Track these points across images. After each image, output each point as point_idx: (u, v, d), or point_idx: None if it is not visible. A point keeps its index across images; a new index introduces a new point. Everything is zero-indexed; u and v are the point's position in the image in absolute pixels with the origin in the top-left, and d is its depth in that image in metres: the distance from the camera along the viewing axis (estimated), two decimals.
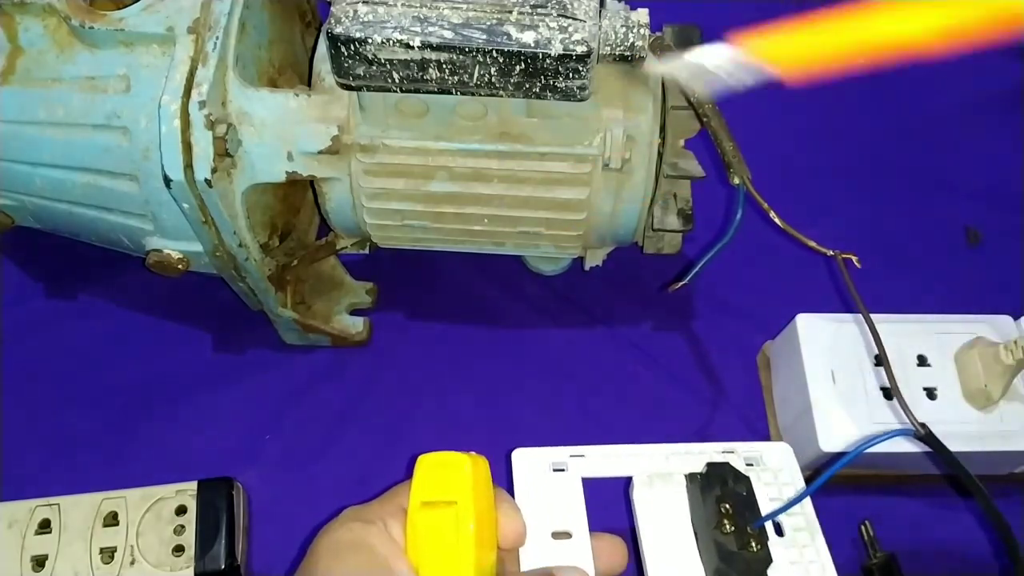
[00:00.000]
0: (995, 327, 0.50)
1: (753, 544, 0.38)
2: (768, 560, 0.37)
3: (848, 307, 0.52)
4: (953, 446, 0.47)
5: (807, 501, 0.39)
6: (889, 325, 0.51)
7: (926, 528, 0.47)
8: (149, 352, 0.57)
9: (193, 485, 0.50)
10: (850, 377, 0.49)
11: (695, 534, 0.39)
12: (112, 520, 0.49)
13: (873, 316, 0.52)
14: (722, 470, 0.40)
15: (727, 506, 0.38)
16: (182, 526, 0.49)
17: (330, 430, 0.55)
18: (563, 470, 0.40)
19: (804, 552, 0.38)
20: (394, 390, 0.56)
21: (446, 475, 0.35)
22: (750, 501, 0.39)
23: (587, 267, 0.55)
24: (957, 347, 0.50)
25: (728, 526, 0.38)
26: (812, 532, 0.39)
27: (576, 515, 0.39)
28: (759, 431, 0.54)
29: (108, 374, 0.56)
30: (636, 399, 0.55)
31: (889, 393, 0.49)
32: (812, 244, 0.43)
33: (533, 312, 0.59)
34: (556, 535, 0.39)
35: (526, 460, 0.41)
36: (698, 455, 0.41)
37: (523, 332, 0.58)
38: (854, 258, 0.43)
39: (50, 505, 0.49)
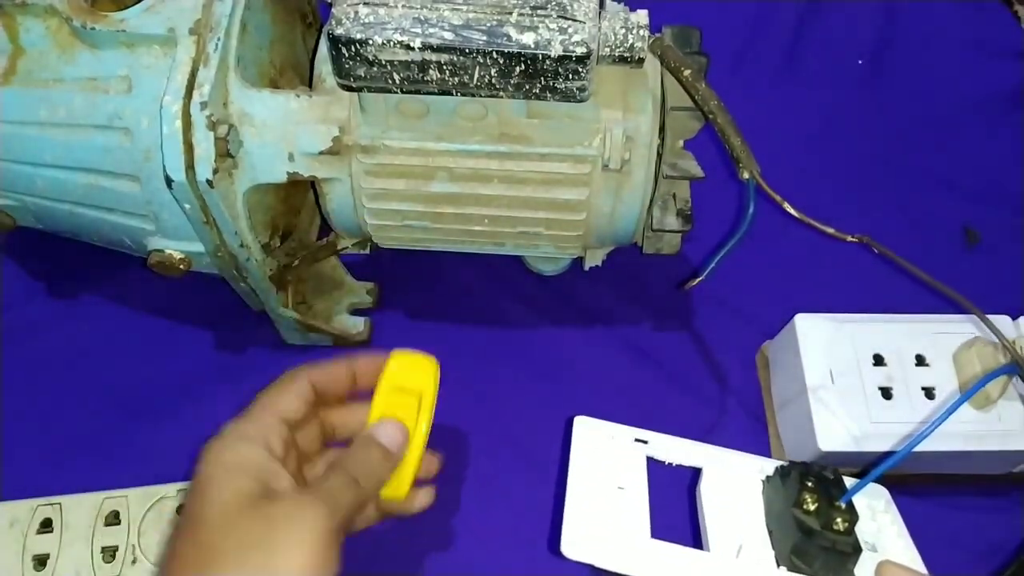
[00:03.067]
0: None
1: (840, 521, 0.37)
2: (856, 548, 0.36)
3: (847, 307, 0.53)
4: (952, 446, 0.48)
5: (900, 521, 0.40)
6: (888, 325, 0.52)
7: (926, 528, 0.47)
8: (149, 352, 0.57)
9: None
10: (848, 377, 0.49)
11: (769, 519, 0.39)
12: (114, 519, 0.49)
13: (872, 316, 0.52)
14: (806, 464, 0.40)
15: (810, 482, 0.38)
16: None
17: None
18: (627, 446, 0.42)
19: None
20: None
21: (414, 370, 0.42)
22: (838, 482, 0.39)
23: (587, 267, 0.55)
24: (956, 347, 0.50)
25: (811, 503, 0.37)
26: (909, 548, 0.39)
27: (636, 475, 0.41)
28: (758, 431, 0.54)
29: (108, 374, 0.56)
30: (635, 399, 0.55)
31: (887, 392, 0.49)
32: (831, 231, 0.43)
33: (533, 312, 0.59)
34: (613, 489, 0.41)
35: (587, 428, 0.42)
36: (769, 463, 0.41)
37: (523, 332, 0.58)
38: (873, 241, 0.43)
39: (51, 504, 0.50)
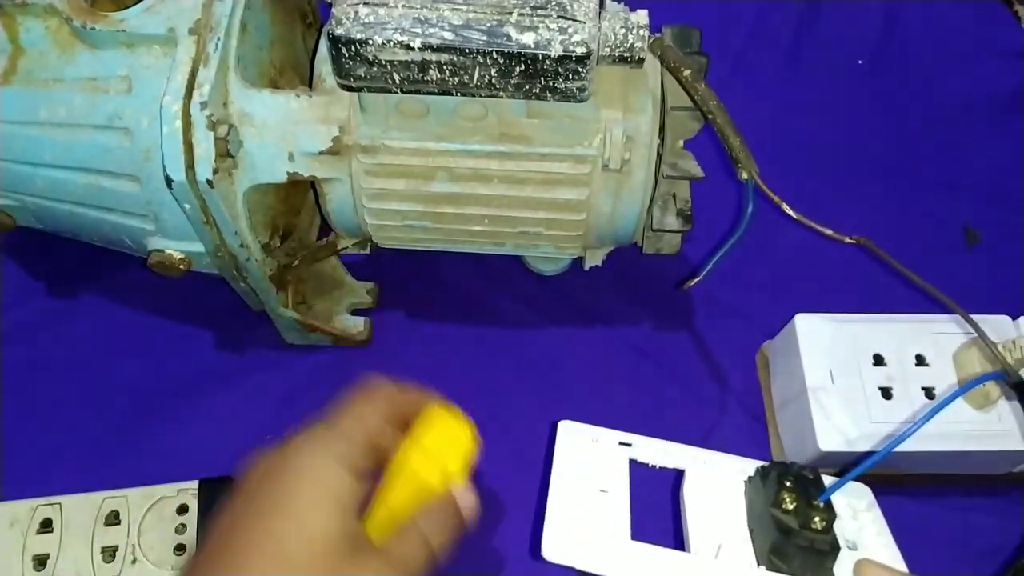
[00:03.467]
0: (993, 327, 0.50)
1: (817, 520, 0.37)
2: (833, 546, 0.36)
3: (847, 307, 0.53)
4: (951, 445, 0.48)
5: (882, 521, 0.39)
6: (888, 325, 0.52)
7: (926, 528, 0.47)
8: (149, 352, 0.57)
9: (195, 484, 0.50)
10: (848, 377, 0.49)
11: (750, 519, 0.39)
12: (114, 519, 0.49)
13: (872, 316, 0.52)
14: (785, 464, 0.40)
15: (788, 482, 0.38)
16: (184, 525, 0.49)
17: None
18: (611, 449, 0.42)
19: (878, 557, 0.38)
20: None
21: (451, 435, 0.38)
22: (817, 481, 0.39)
23: (587, 267, 0.55)
24: (956, 347, 0.50)
25: (789, 502, 0.37)
26: (889, 547, 0.39)
27: (618, 478, 0.40)
28: (758, 431, 0.54)
29: (108, 374, 0.56)
30: (635, 399, 0.55)
31: (887, 392, 0.49)
32: (829, 232, 0.43)
33: (533, 312, 0.59)
34: (595, 492, 0.40)
35: (571, 433, 0.42)
36: (751, 464, 0.41)
37: (523, 332, 0.58)
38: (871, 243, 0.43)
39: (51, 504, 0.50)
